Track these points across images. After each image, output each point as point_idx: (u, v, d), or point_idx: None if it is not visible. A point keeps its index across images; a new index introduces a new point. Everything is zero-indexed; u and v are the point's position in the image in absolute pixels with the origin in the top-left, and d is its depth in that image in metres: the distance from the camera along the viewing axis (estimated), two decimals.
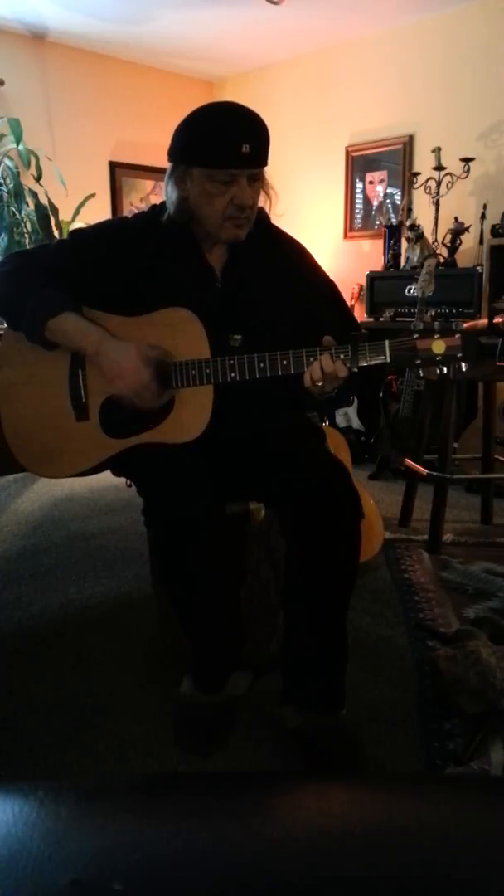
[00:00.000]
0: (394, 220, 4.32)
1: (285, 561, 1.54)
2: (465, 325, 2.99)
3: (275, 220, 1.65)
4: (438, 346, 1.39)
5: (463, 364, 1.40)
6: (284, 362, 1.43)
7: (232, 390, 1.50)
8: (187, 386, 1.49)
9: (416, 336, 1.40)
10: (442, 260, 3.84)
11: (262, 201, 1.56)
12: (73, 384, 1.58)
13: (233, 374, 1.45)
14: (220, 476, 1.53)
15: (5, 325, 1.64)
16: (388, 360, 1.40)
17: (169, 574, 1.55)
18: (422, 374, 1.44)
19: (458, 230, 3.86)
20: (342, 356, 1.40)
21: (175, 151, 1.48)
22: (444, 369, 1.41)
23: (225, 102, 1.51)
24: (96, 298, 1.56)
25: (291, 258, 1.65)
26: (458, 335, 1.39)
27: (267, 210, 1.59)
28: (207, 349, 1.48)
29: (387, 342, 1.40)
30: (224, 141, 1.41)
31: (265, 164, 1.47)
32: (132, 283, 1.55)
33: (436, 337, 1.39)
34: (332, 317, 1.61)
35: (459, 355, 1.39)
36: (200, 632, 1.58)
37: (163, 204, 1.57)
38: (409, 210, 4.24)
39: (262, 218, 1.60)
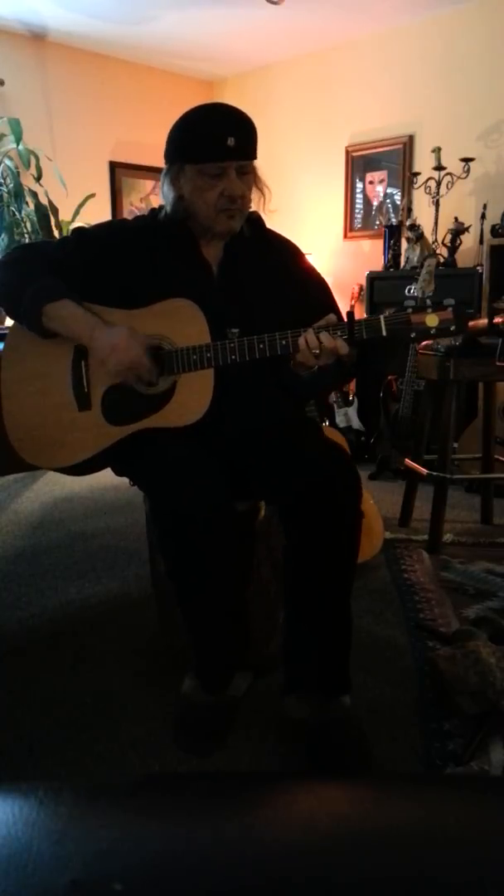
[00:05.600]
0: (394, 220, 4.32)
1: (286, 548, 1.54)
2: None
3: (268, 216, 1.69)
4: (432, 320, 1.43)
5: (457, 338, 1.44)
6: (283, 342, 1.47)
7: (233, 387, 1.52)
8: (188, 370, 1.51)
9: (409, 310, 1.44)
10: (442, 260, 3.84)
11: (256, 199, 1.60)
12: (76, 374, 1.59)
13: (233, 357, 1.48)
14: (226, 473, 1.53)
15: (8, 322, 1.65)
16: (385, 334, 1.45)
17: (177, 572, 1.54)
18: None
19: (458, 230, 3.86)
20: (339, 332, 1.44)
21: (168, 152, 1.55)
22: (440, 346, 1.44)
23: (211, 102, 1.60)
24: (97, 294, 1.58)
25: (285, 258, 1.69)
26: (449, 309, 1.44)
27: (261, 206, 1.63)
28: (208, 334, 1.51)
29: (382, 318, 1.45)
30: (210, 135, 1.48)
31: (252, 157, 1.53)
32: (132, 279, 1.58)
33: (429, 311, 1.44)
34: (322, 316, 1.62)
35: (452, 328, 1.44)
36: (207, 630, 1.57)
37: (162, 206, 1.61)
38: (409, 210, 4.24)
39: (256, 219, 1.66)
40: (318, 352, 1.44)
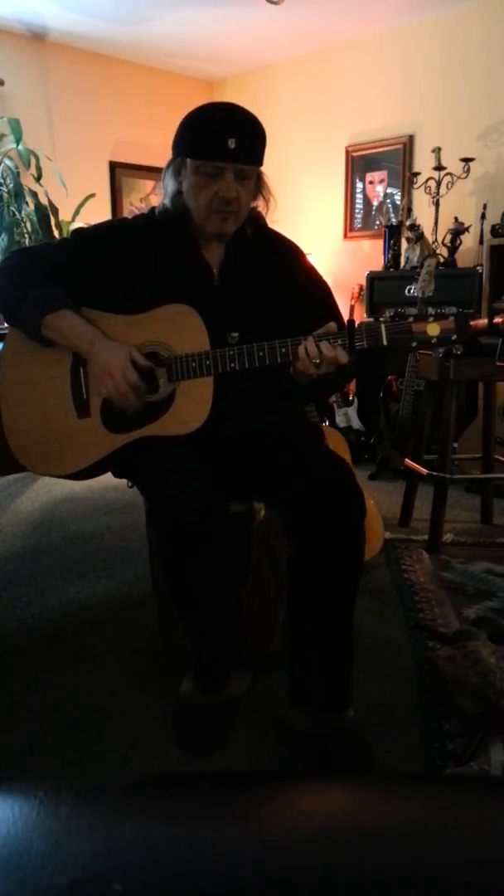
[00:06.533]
0: (394, 220, 4.32)
1: (288, 561, 1.53)
2: None
3: (271, 226, 1.67)
4: (433, 329, 1.42)
5: (459, 347, 1.43)
6: (283, 350, 1.46)
7: (233, 390, 1.51)
8: (188, 378, 1.50)
9: (410, 319, 1.43)
10: (442, 260, 3.84)
11: (260, 207, 1.59)
12: (75, 382, 1.58)
13: (232, 365, 1.47)
14: (224, 477, 1.53)
15: (6, 326, 1.64)
16: (385, 343, 1.43)
17: (173, 575, 1.54)
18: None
19: (458, 230, 3.86)
20: (340, 341, 1.43)
21: (174, 143, 1.54)
22: (441, 352, 1.43)
23: (225, 102, 1.57)
24: (97, 296, 1.57)
25: (286, 260, 1.68)
26: (451, 318, 1.43)
27: (264, 214, 1.62)
28: (207, 341, 1.50)
29: (382, 326, 1.43)
30: (211, 134, 1.47)
31: (254, 162, 1.51)
32: (132, 280, 1.57)
33: (430, 320, 1.43)
34: (323, 320, 1.62)
35: (454, 337, 1.43)
36: (203, 632, 1.57)
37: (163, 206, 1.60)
38: (409, 210, 4.24)
39: (257, 219, 1.64)
40: (318, 361, 1.42)
